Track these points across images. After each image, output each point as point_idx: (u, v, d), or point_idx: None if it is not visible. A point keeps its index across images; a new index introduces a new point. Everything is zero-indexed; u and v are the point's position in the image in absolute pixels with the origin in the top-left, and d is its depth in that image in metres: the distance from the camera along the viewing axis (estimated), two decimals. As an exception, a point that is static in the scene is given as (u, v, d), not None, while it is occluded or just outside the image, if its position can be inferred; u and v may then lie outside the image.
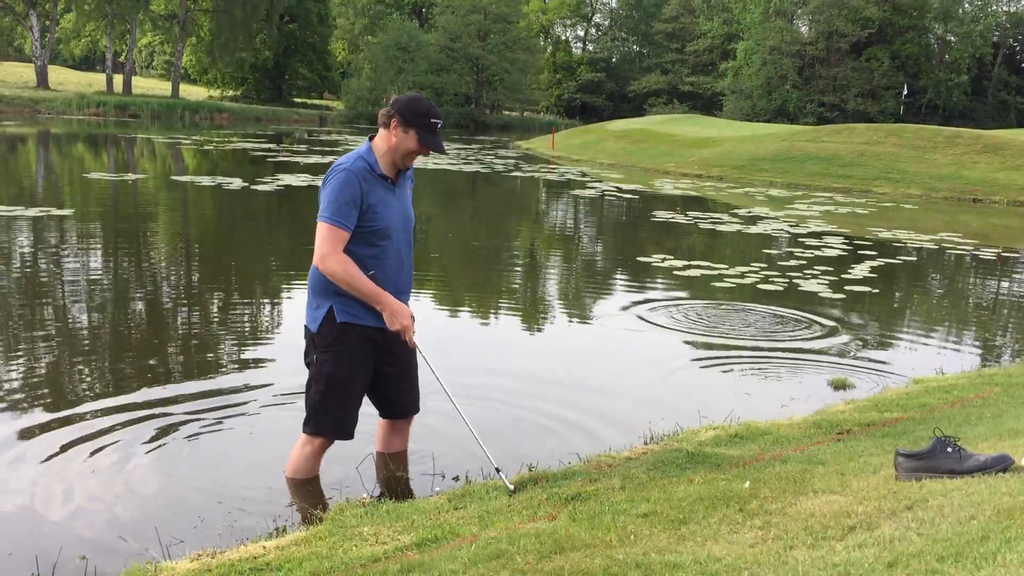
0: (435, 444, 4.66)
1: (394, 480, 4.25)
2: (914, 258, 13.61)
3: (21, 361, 6.00)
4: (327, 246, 3.73)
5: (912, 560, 2.35)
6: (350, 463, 4.37)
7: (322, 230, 3.74)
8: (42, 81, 49.43)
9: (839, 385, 6.28)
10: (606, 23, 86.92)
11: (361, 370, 3.93)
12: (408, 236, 4.04)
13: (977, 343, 8.32)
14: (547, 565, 2.72)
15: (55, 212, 12.94)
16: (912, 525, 2.67)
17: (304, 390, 4.07)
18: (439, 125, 3.85)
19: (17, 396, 5.33)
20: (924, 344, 7.99)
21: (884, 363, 7.11)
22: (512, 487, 3.75)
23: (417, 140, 3.81)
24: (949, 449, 3.28)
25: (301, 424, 4.08)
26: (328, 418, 3.96)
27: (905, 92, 60.09)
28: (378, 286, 3.78)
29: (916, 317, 9.12)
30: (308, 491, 4.07)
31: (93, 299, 8.08)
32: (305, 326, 4.01)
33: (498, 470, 3.83)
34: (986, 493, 2.87)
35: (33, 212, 12.67)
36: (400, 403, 4.22)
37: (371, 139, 3.91)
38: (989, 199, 23.84)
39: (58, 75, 56.87)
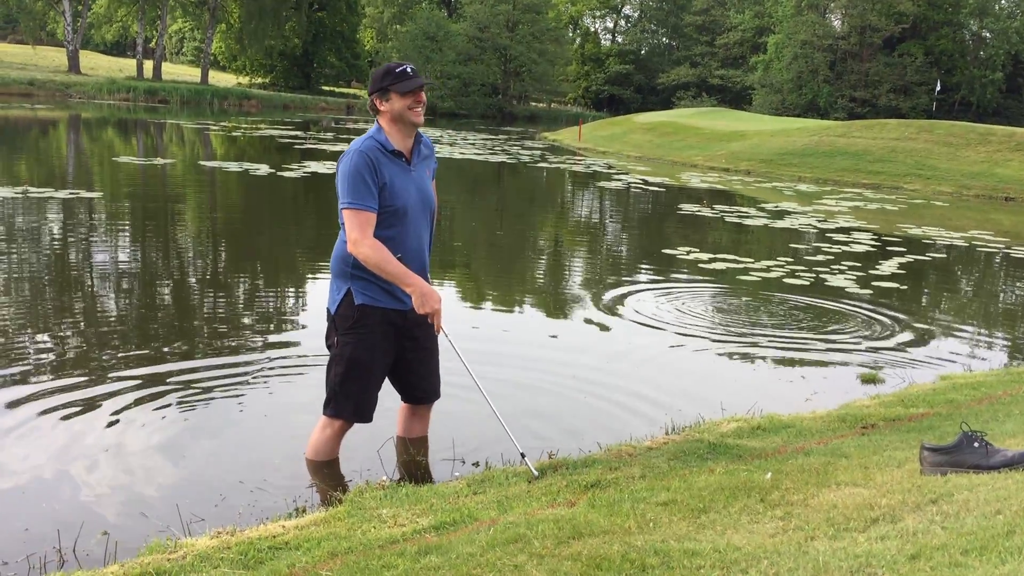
0: (456, 430, 4.66)
1: (414, 464, 4.26)
2: (944, 255, 13.44)
3: (46, 337, 6.06)
4: (356, 231, 3.70)
5: (935, 553, 2.32)
6: (371, 447, 4.39)
7: (348, 216, 3.72)
8: (74, 66, 49.89)
9: (864, 380, 6.22)
10: (636, 15, 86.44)
11: (381, 353, 3.93)
12: (426, 216, 3.99)
13: (1007, 341, 8.21)
14: (565, 550, 2.71)
15: (84, 194, 13.07)
16: (936, 518, 2.63)
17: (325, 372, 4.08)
18: (408, 68, 3.80)
19: (41, 372, 5.38)
20: (952, 341, 7.89)
21: (911, 359, 7.03)
22: (537, 472, 3.74)
23: (399, 96, 3.77)
24: (976, 444, 3.23)
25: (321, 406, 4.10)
26: (348, 400, 3.96)
27: (938, 88, 59.38)
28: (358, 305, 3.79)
29: (944, 314, 9.01)
30: (328, 473, 4.08)
31: (119, 278, 8.15)
32: (327, 308, 4.02)
33: (523, 455, 3.82)
34: (1012, 488, 2.82)
35: (63, 194, 12.79)
36: (421, 388, 4.21)
37: (379, 124, 3.89)
38: (1022, 197, 23.50)
39: (89, 60, 57.39)
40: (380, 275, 3.74)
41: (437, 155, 4.17)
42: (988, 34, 65.15)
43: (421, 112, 3.84)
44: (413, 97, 3.77)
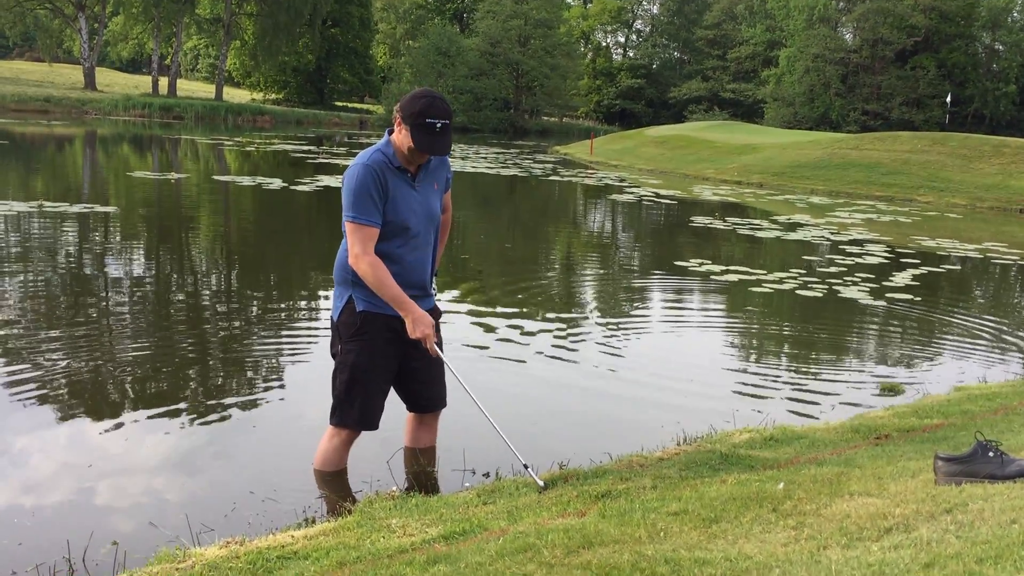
0: (466, 440, 4.64)
1: (424, 475, 4.24)
2: (958, 267, 13.36)
3: (58, 346, 6.08)
4: (358, 246, 3.71)
5: (950, 562, 2.29)
6: (380, 457, 4.38)
7: (351, 230, 3.72)
8: (90, 83, 50.40)
9: (878, 391, 6.17)
10: (647, 29, 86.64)
11: (384, 359, 3.91)
12: (430, 232, 3.96)
13: (1022, 352, 8.14)
14: (575, 559, 2.69)
15: (99, 208, 13.15)
16: (951, 528, 2.60)
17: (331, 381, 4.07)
18: (437, 125, 3.65)
19: (52, 382, 5.40)
20: (967, 352, 7.82)
21: (925, 370, 6.98)
22: (542, 483, 3.71)
23: (411, 139, 3.70)
24: (991, 454, 3.20)
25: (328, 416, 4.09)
26: (353, 409, 3.95)
27: (951, 101, 59.18)
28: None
29: (959, 325, 8.94)
30: (337, 483, 4.07)
31: (132, 290, 8.19)
32: (330, 317, 4.02)
33: (526, 466, 3.80)
34: (1029, 498, 2.78)
35: (78, 208, 12.88)
36: (426, 397, 4.20)
37: (390, 132, 3.86)
38: (1037, 209, 23.36)
39: (105, 77, 57.97)
40: (376, 293, 3.74)
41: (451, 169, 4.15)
42: (1001, 47, 64.97)
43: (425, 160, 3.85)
44: (421, 154, 3.76)
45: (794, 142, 32.85)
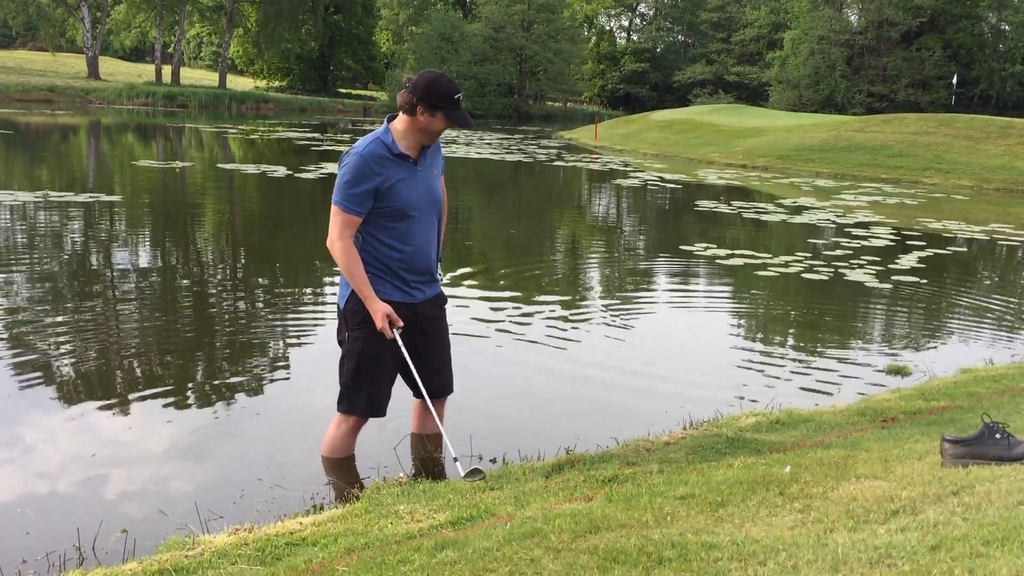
0: (473, 426, 4.65)
1: (431, 461, 4.26)
2: (964, 249, 13.31)
3: (67, 338, 6.10)
4: (335, 230, 3.79)
5: (957, 544, 2.29)
6: (387, 444, 4.39)
7: (333, 212, 3.80)
8: (93, 72, 50.33)
9: (884, 373, 6.17)
10: (651, 13, 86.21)
11: (391, 346, 3.91)
12: (433, 215, 3.99)
13: (1029, 335, 8.12)
14: (582, 544, 2.69)
15: (104, 197, 13.16)
16: (957, 510, 2.60)
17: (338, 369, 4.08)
18: (460, 97, 3.79)
19: (61, 372, 5.42)
20: (973, 334, 7.81)
21: (931, 352, 6.97)
22: (464, 476, 3.66)
23: (445, 120, 3.76)
24: (997, 435, 3.20)
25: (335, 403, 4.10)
26: (361, 396, 3.97)
27: (957, 82, 58.81)
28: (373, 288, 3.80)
29: (965, 307, 8.92)
30: (345, 470, 4.09)
31: (139, 279, 8.20)
32: (337, 305, 4.03)
33: (456, 459, 3.75)
34: (1035, 480, 2.78)
35: (83, 198, 12.89)
36: (433, 383, 4.20)
37: (390, 120, 3.86)
38: (1043, 190, 23.26)
39: (109, 66, 57.92)
40: (345, 277, 3.81)
41: (452, 155, 4.16)
42: (1007, 27, 64.46)
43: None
44: (451, 126, 3.80)
45: (799, 125, 32.72)
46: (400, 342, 3.86)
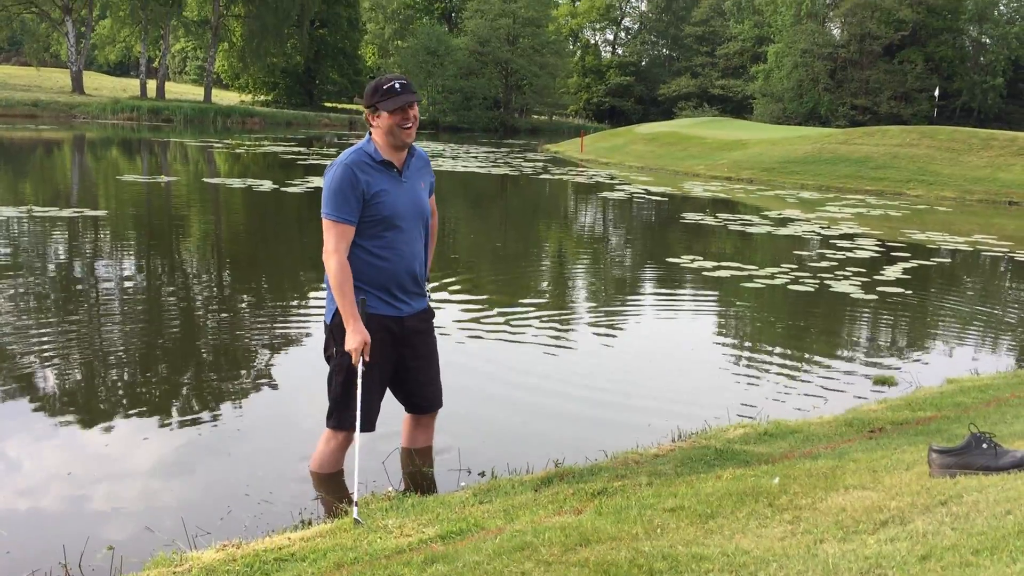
0: (462, 440, 4.64)
1: (420, 475, 4.24)
2: (948, 260, 13.41)
3: (51, 353, 6.06)
4: (331, 243, 3.77)
5: (946, 553, 2.30)
6: (376, 458, 4.37)
7: (326, 226, 3.79)
8: (78, 86, 50.13)
9: (871, 384, 6.19)
10: (635, 27, 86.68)
11: (379, 359, 3.89)
12: (420, 227, 3.99)
13: (1013, 344, 8.17)
14: (572, 557, 2.69)
15: (88, 212, 13.09)
16: (946, 520, 2.61)
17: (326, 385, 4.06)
18: (397, 85, 3.78)
19: (45, 387, 5.38)
20: (959, 344, 7.86)
21: (917, 363, 7.01)
22: (358, 518, 3.37)
23: (389, 113, 3.78)
24: (984, 445, 3.21)
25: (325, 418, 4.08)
26: (349, 411, 3.94)
27: (939, 95, 59.37)
28: (360, 311, 3.77)
29: (950, 318, 8.98)
30: (333, 485, 4.07)
31: (124, 294, 8.15)
32: (324, 321, 4.01)
33: (355, 504, 3.47)
34: (1022, 489, 2.80)
35: (68, 213, 12.83)
36: (422, 397, 4.19)
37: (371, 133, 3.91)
38: (1025, 202, 23.46)
39: (93, 80, 57.70)
40: (333, 292, 3.78)
41: (438, 168, 4.17)
42: (988, 40, 65.23)
43: (412, 131, 3.85)
44: (402, 114, 3.79)
45: (783, 137, 32.91)
46: (360, 371, 3.78)
